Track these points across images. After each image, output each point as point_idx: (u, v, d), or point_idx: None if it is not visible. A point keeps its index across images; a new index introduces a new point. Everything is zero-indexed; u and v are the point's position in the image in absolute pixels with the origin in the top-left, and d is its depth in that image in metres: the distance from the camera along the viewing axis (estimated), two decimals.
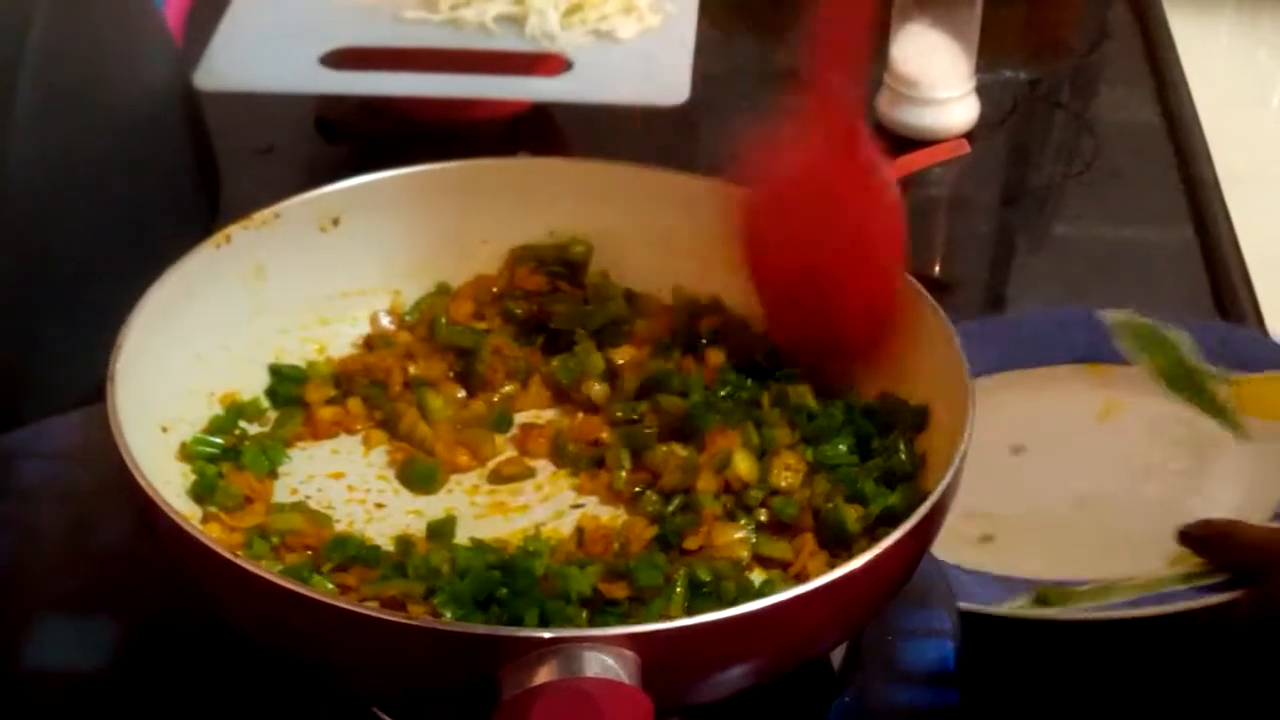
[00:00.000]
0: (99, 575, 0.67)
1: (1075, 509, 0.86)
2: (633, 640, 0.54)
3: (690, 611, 0.62)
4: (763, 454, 0.70)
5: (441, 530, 0.68)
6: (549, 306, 0.77)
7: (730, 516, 0.68)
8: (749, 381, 0.74)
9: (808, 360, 0.73)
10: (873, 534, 0.67)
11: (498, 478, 0.71)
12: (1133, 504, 0.86)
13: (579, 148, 1.10)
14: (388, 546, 0.67)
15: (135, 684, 0.65)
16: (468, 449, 0.72)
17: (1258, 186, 1.11)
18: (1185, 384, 0.91)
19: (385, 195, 0.76)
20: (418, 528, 0.68)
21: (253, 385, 0.73)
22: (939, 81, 1.13)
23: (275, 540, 0.66)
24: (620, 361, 0.75)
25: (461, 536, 0.68)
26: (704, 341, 0.76)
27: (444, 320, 0.76)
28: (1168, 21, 1.29)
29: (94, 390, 0.64)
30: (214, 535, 0.65)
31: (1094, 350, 0.94)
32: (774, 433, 0.71)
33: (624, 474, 0.70)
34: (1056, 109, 1.23)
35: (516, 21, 1.07)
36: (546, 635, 0.54)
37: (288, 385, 0.73)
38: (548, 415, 0.75)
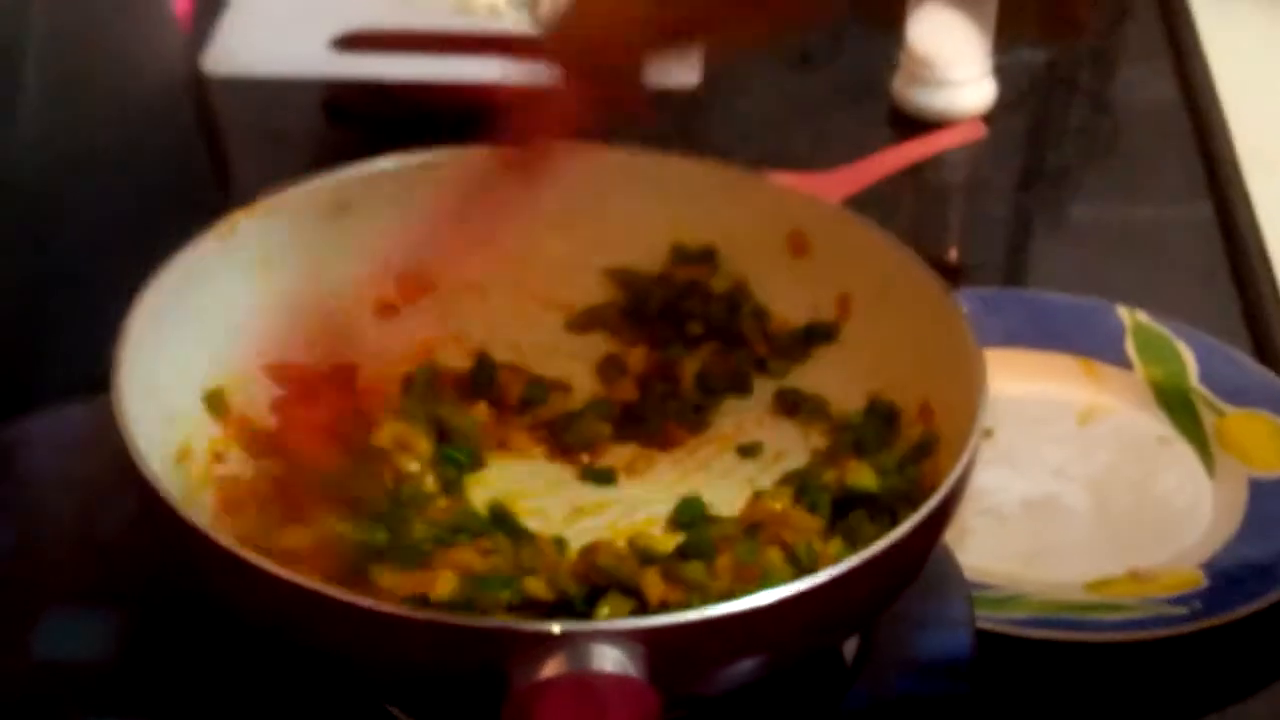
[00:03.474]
0: (103, 564, 0.67)
1: (1021, 508, 0.84)
2: (641, 634, 0.54)
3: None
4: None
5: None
6: None
7: None
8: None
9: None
10: None
11: None
12: (1079, 516, 0.84)
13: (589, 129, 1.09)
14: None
15: (140, 673, 0.64)
16: None
17: (1279, 166, 1.10)
18: (1177, 403, 0.88)
19: (395, 181, 0.75)
20: None
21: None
22: (955, 62, 1.12)
23: None
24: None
25: None
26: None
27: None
28: (1188, 0, 1.28)
29: (100, 379, 0.63)
30: None
31: (1100, 348, 0.91)
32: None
33: None
34: (1074, 90, 1.22)
35: (527, 4, 1.07)
36: (555, 629, 0.54)
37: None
38: None
